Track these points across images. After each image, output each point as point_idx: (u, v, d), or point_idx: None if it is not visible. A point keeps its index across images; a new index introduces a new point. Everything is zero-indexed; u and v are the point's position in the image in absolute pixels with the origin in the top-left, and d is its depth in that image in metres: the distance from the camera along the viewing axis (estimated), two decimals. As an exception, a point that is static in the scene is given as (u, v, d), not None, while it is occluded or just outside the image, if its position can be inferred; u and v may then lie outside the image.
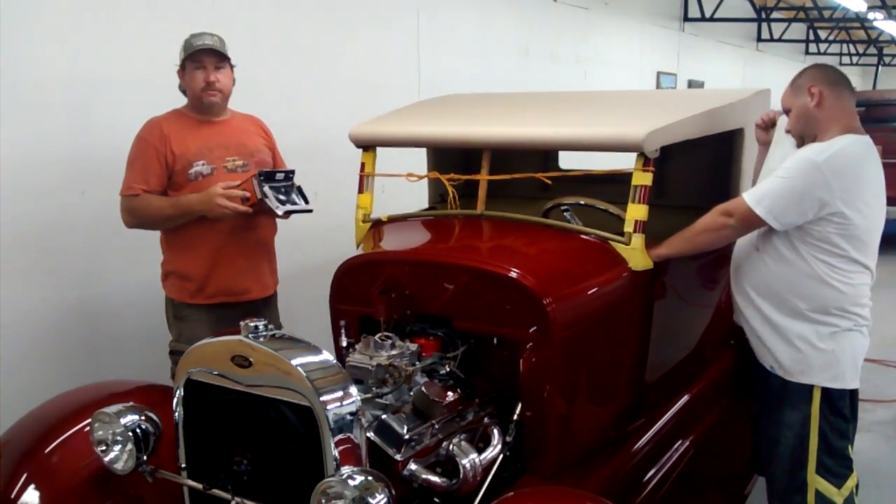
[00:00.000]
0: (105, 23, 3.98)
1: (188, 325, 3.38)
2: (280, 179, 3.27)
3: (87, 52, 3.91)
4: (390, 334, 2.62)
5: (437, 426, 2.49)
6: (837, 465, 2.96)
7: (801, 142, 2.96)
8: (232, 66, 3.44)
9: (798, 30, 17.04)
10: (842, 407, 2.94)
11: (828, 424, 2.92)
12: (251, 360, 2.17)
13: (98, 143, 3.93)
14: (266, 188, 3.21)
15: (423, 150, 3.99)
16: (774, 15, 15.15)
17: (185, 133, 3.37)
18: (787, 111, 2.98)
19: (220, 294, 3.41)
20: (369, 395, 2.46)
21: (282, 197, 3.25)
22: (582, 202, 3.24)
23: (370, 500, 1.92)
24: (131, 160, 3.36)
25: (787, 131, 3.02)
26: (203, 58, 3.34)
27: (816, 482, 2.94)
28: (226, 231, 3.37)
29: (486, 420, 2.66)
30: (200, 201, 3.23)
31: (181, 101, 3.47)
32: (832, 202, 2.74)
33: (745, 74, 15.04)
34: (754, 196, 2.82)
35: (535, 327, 2.62)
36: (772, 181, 2.82)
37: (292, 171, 3.33)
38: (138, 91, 4.10)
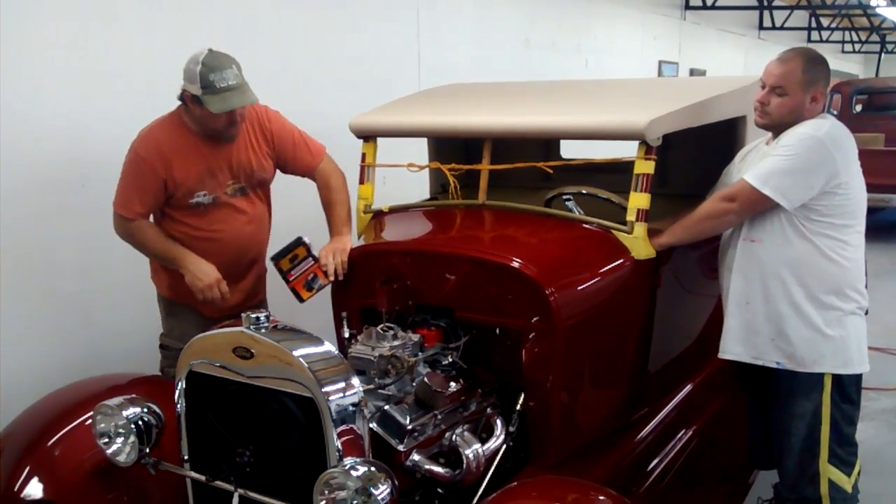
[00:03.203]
0: (105, 14, 3.96)
1: (179, 323, 3.33)
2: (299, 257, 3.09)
3: (86, 44, 3.88)
4: (392, 325, 2.62)
5: (439, 417, 2.49)
6: (847, 454, 2.97)
7: (775, 129, 2.95)
8: None
9: (800, 17, 16.95)
10: (851, 392, 2.96)
11: (839, 412, 2.93)
12: (253, 351, 2.17)
13: (98, 137, 3.91)
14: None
15: (424, 141, 3.97)
16: (776, 3, 15.08)
17: (186, 154, 3.15)
18: (777, 88, 2.89)
19: (215, 311, 3.29)
20: (372, 386, 2.46)
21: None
22: (584, 191, 3.23)
23: (373, 490, 1.92)
24: (127, 177, 3.16)
25: (760, 103, 2.94)
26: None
27: (829, 472, 2.94)
28: (220, 252, 3.26)
29: (488, 410, 2.66)
30: (189, 271, 3.14)
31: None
32: (837, 173, 2.79)
33: (746, 63, 14.97)
34: (758, 177, 2.81)
35: (537, 317, 2.61)
36: (773, 161, 2.81)
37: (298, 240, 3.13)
38: (138, 84, 4.08)
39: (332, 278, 3.01)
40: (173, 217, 3.24)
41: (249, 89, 3.09)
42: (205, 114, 3.06)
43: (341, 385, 2.12)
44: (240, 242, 3.32)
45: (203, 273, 3.14)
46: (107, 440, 2.39)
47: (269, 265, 3.38)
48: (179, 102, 3.18)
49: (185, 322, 3.30)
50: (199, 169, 3.17)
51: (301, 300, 3.05)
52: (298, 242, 3.07)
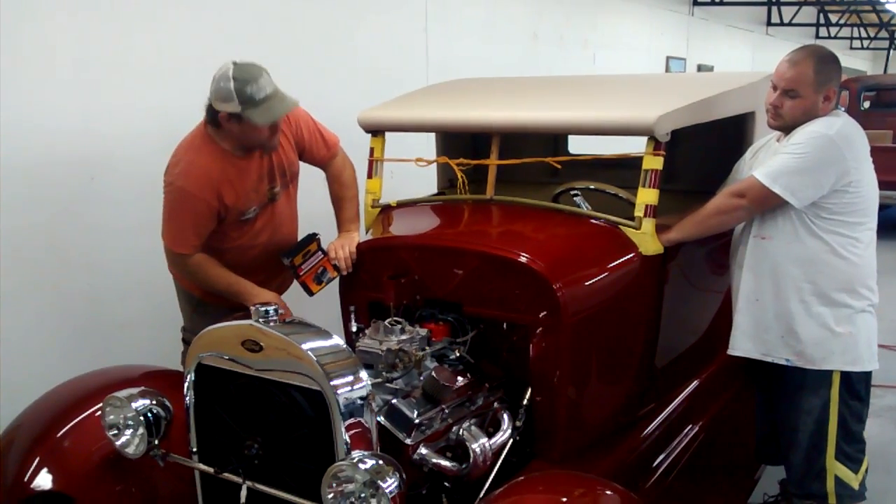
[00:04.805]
0: (111, 7, 3.96)
1: (206, 321, 3.29)
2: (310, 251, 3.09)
3: (93, 38, 3.89)
4: (400, 319, 2.63)
5: (446, 411, 2.50)
6: (855, 451, 2.98)
7: (785, 129, 2.94)
8: None
9: (808, 13, 16.86)
10: (860, 390, 2.96)
11: (847, 409, 2.93)
12: (262, 344, 2.17)
13: (107, 131, 3.93)
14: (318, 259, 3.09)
15: (432, 135, 3.97)
16: (784, -2, 15.03)
17: (232, 178, 3.06)
18: (789, 91, 2.86)
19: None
20: (379, 380, 2.47)
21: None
22: (592, 187, 3.23)
23: (381, 483, 1.93)
24: (178, 214, 3.05)
25: (773, 106, 2.91)
26: None
27: (836, 468, 2.95)
28: (260, 255, 3.26)
29: (495, 405, 2.67)
30: (254, 301, 2.99)
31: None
32: (848, 172, 2.78)
33: (754, 59, 14.93)
34: (768, 175, 2.80)
35: (545, 312, 2.61)
36: (783, 159, 2.81)
37: (312, 237, 3.15)
38: (146, 78, 4.09)
39: (343, 272, 3.02)
40: (216, 231, 3.16)
41: (285, 94, 2.97)
42: (246, 129, 2.93)
43: (349, 378, 2.13)
44: (278, 240, 3.30)
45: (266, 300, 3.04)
46: (116, 432, 2.40)
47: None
48: (204, 121, 3.06)
49: (212, 321, 3.24)
50: (246, 188, 3.11)
51: (311, 294, 3.05)
52: (312, 237, 3.07)
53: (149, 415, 2.39)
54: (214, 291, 3.20)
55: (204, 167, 3.01)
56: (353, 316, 2.86)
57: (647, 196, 2.86)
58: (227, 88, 2.84)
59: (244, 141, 3.01)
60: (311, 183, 3.52)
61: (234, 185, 3.07)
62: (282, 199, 3.29)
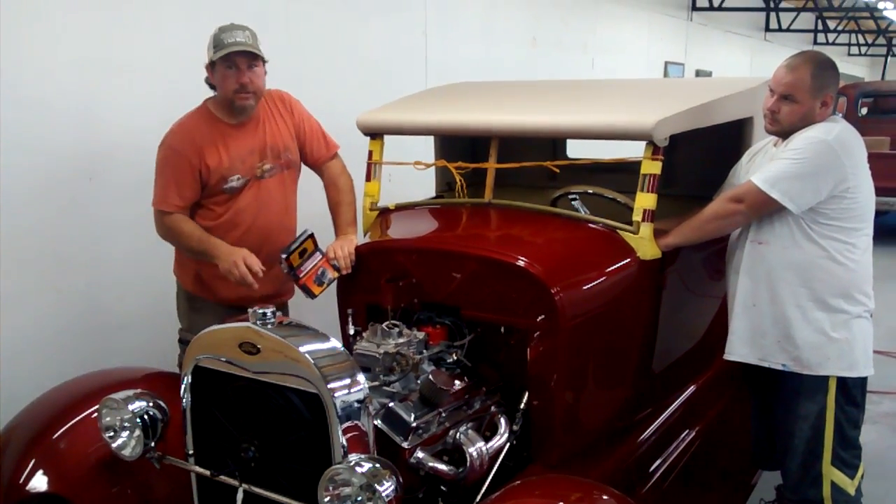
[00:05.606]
0: (112, 6, 3.97)
1: (203, 318, 3.27)
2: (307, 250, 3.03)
3: (94, 36, 3.89)
4: (397, 322, 2.63)
5: (444, 414, 2.50)
6: (850, 456, 2.98)
7: (782, 134, 2.94)
8: (265, 62, 3.22)
9: (806, 19, 16.91)
10: (856, 395, 2.96)
11: (843, 414, 2.93)
12: (259, 346, 2.17)
13: (106, 130, 3.93)
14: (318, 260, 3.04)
15: (431, 139, 3.97)
16: (783, 4, 15.05)
17: (216, 142, 3.21)
18: (787, 97, 2.87)
19: (243, 299, 3.24)
20: (377, 383, 2.47)
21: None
22: (590, 191, 3.23)
23: (378, 487, 1.93)
24: (163, 172, 3.20)
25: (770, 111, 2.92)
26: (235, 58, 3.11)
27: (832, 474, 2.95)
28: (246, 235, 3.28)
29: (493, 409, 2.67)
30: (220, 258, 3.10)
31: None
32: (846, 178, 2.78)
33: (752, 64, 14.96)
34: (766, 180, 2.81)
35: (542, 316, 2.61)
36: (782, 164, 2.81)
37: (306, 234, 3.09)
38: (146, 77, 4.09)
39: (343, 272, 3.01)
40: (202, 205, 3.26)
41: (257, 49, 3.14)
42: (217, 78, 3.17)
43: (347, 381, 2.13)
44: (263, 223, 3.32)
45: (231, 253, 3.11)
46: (112, 434, 2.39)
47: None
48: (196, 99, 3.24)
49: (208, 317, 3.24)
50: (231, 154, 3.22)
51: (312, 296, 3.03)
52: (307, 235, 3.06)
53: (145, 417, 2.38)
54: (187, 252, 3.27)
55: (190, 126, 3.23)
56: (350, 319, 2.86)
57: (645, 201, 2.86)
58: (211, 37, 3.14)
59: (221, 92, 3.20)
60: (310, 185, 3.52)
61: (219, 149, 3.19)
62: (272, 181, 3.33)
